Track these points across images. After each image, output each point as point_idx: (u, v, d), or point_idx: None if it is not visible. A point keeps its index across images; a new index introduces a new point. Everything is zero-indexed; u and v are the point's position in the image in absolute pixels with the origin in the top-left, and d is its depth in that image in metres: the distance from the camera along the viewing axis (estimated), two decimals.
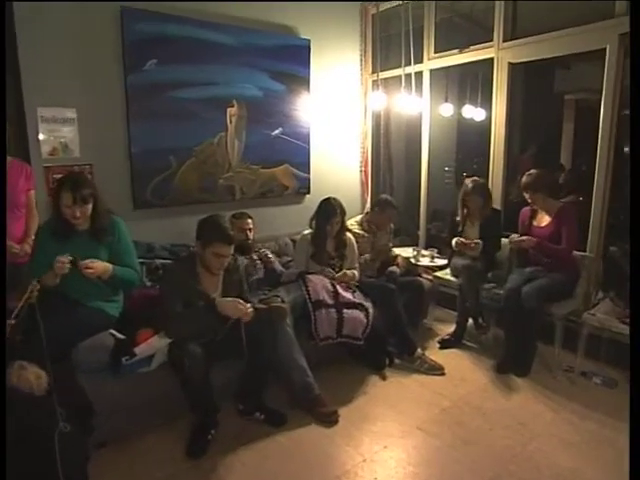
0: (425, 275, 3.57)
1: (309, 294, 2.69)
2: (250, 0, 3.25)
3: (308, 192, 3.79)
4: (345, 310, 2.73)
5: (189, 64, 2.97)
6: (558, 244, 2.87)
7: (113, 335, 2.27)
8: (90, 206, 2.21)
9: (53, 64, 2.57)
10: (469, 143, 4.72)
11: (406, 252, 3.70)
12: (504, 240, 3.18)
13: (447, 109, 4.02)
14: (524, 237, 2.89)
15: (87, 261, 2.12)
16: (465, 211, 3.27)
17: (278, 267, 3.03)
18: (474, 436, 2.27)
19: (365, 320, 2.75)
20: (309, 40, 3.54)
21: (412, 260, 3.61)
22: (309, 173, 3.75)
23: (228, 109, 3.20)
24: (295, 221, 3.54)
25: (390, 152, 4.45)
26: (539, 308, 2.73)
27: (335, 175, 4.04)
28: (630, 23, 1.72)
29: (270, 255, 2.94)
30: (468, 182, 3.22)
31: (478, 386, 2.72)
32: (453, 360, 3.03)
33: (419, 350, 2.94)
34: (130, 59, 2.75)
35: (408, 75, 3.74)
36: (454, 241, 3.19)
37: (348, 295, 2.82)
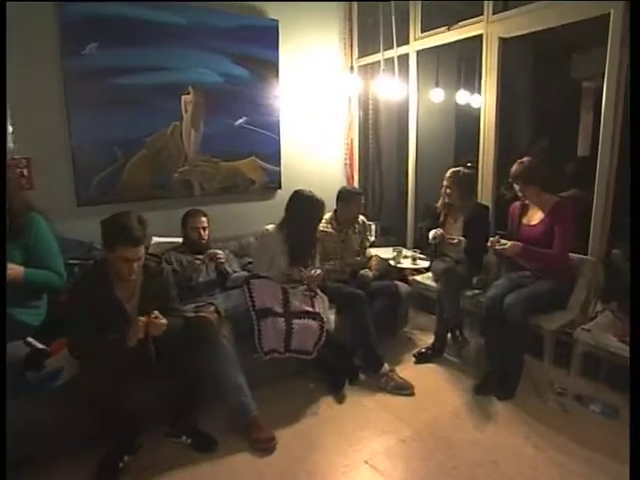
0: (410, 278, 3.23)
1: (252, 301, 2.40)
2: None
3: (279, 187, 3.48)
4: (295, 320, 2.42)
5: (135, 47, 2.71)
6: (551, 245, 2.45)
7: (29, 344, 2.05)
8: None
9: None
10: (471, 133, 4.28)
11: (386, 253, 3.34)
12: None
13: (438, 95, 3.62)
14: (507, 243, 2.49)
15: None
16: (445, 205, 2.89)
17: (229, 269, 2.74)
18: (433, 476, 1.92)
19: (318, 331, 2.44)
20: (277, 21, 3.22)
21: (392, 262, 3.25)
22: (280, 166, 3.44)
23: (183, 97, 2.93)
24: (265, 218, 3.22)
25: (379, 143, 4.09)
26: (524, 321, 2.34)
27: (313, 168, 3.71)
28: (630, 23, 1.55)
29: (220, 255, 2.65)
30: (448, 172, 2.84)
31: (450, 410, 2.35)
32: (428, 377, 2.66)
33: (386, 366, 2.59)
34: (67, 43, 2.52)
35: (390, 58, 3.37)
36: (432, 233, 2.81)
37: (301, 303, 2.51)
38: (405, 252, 3.37)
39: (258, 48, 3.16)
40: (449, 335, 2.90)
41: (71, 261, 2.48)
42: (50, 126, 2.59)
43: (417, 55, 3.45)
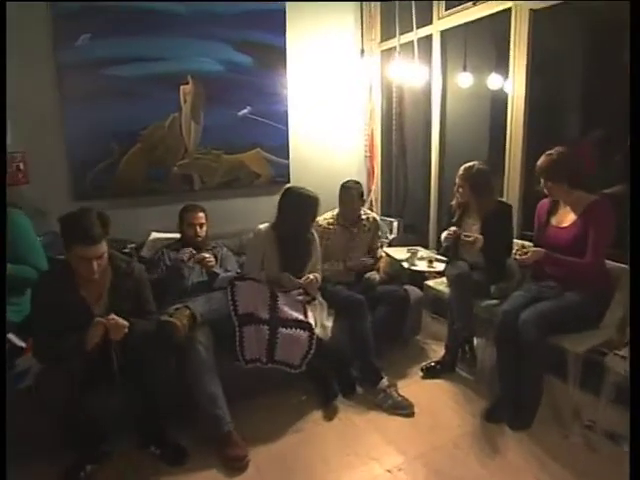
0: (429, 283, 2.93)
1: (235, 305, 2.23)
2: None
3: (287, 181, 3.28)
4: (281, 329, 2.22)
5: (130, 37, 2.61)
6: (583, 252, 2.08)
7: (9, 340, 2.02)
8: None
9: None
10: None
11: (399, 253, 3.05)
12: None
13: (466, 79, 3.24)
14: (529, 251, 2.14)
15: None
16: (459, 204, 2.57)
17: (219, 270, 2.58)
18: None
19: (307, 343, 2.22)
20: (284, 4, 3.00)
21: (405, 264, 2.96)
22: (288, 159, 3.24)
23: (182, 87, 2.81)
24: (271, 214, 3.05)
25: (404, 134, 3.76)
26: (541, 341, 1.99)
27: (327, 161, 3.48)
28: (630, 23, 1.41)
29: (209, 259, 2.49)
30: (461, 168, 2.51)
31: (451, 438, 2.06)
32: (433, 396, 2.38)
33: (384, 381, 2.33)
34: (59, 34, 2.47)
35: (412, 41, 3.05)
36: (444, 233, 2.51)
37: (291, 310, 2.31)
38: (421, 253, 3.06)
39: (263, 33, 2.97)
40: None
41: (61, 256, 2.46)
42: (44, 119, 2.57)
43: (441, 36, 3.11)
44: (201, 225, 2.65)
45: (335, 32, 3.34)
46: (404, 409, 2.23)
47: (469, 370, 2.55)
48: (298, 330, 2.24)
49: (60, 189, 2.66)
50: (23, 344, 2.02)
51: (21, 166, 2.54)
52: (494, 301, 2.41)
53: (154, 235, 2.78)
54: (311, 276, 2.46)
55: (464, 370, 2.55)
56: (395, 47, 3.39)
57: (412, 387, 2.44)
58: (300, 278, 2.45)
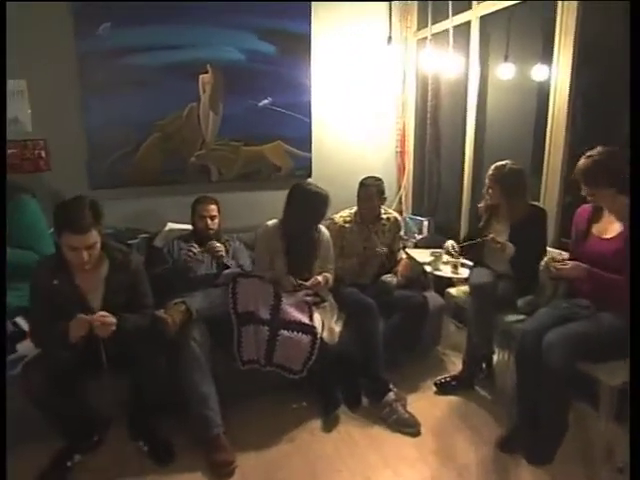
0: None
1: (235, 303, 2.14)
2: None
3: (309, 175, 3.15)
4: (282, 331, 2.11)
5: (148, 25, 2.57)
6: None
7: (15, 324, 2.06)
8: None
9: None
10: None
11: (423, 256, 2.85)
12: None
13: (507, 71, 2.94)
14: (567, 263, 1.88)
15: None
16: (487, 207, 2.33)
17: (231, 263, 2.51)
18: None
19: (309, 347, 2.10)
20: None
21: (427, 268, 2.75)
22: (310, 152, 3.11)
23: (201, 76, 2.74)
24: None
25: (439, 128, 3.51)
26: (568, 370, 1.74)
27: (352, 156, 3.31)
28: (630, 22, 1.40)
29: (218, 248, 2.42)
30: (491, 168, 2.26)
31: (457, 466, 1.87)
32: (445, 415, 2.18)
33: (391, 394, 2.16)
34: (81, 24, 2.46)
35: (455, 28, 2.81)
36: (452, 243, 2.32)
37: (295, 311, 2.19)
38: (447, 257, 2.83)
39: (287, 21, 2.83)
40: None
41: None
42: (65, 108, 2.58)
43: (480, 22, 2.84)
44: (213, 217, 2.58)
45: (364, 19, 3.14)
46: (409, 427, 2.06)
47: (489, 389, 2.32)
48: (300, 333, 2.12)
49: (79, 177, 2.68)
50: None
51: (42, 153, 2.58)
52: (520, 316, 2.16)
53: (170, 226, 2.75)
54: (319, 277, 2.33)
55: (484, 389, 2.32)
56: (435, 34, 3.16)
57: (423, 403, 2.25)
58: (308, 279, 2.33)
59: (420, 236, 3.40)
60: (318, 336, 2.14)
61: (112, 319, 1.71)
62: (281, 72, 2.89)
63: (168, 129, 2.74)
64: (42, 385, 1.70)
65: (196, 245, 2.45)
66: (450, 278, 2.73)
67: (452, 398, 2.29)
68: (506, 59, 2.87)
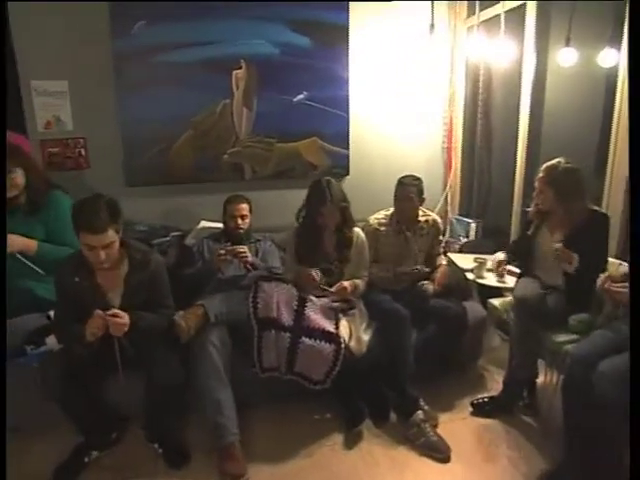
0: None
1: (255, 308, 2.06)
2: None
3: (346, 173, 3.01)
4: (304, 338, 2.01)
5: (182, 22, 2.55)
6: None
7: (49, 317, 2.12)
8: (17, 177, 2.06)
9: (44, 35, 2.49)
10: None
11: (466, 261, 2.62)
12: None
13: (569, 56, 2.62)
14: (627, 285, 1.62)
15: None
16: (538, 213, 2.07)
17: (259, 263, 2.44)
18: None
19: (332, 357, 1.98)
20: None
21: (470, 275, 2.53)
22: (348, 149, 2.96)
23: (234, 72, 2.68)
24: None
25: (491, 122, 3.23)
26: (627, 408, 1.48)
27: (393, 152, 3.12)
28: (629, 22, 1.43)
29: (244, 252, 2.35)
30: (542, 168, 2.01)
31: None
32: (480, 440, 1.97)
33: (419, 413, 1.99)
34: (117, 23, 2.50)
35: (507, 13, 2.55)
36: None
37: (321, 318, 2.07)
38: (492, 263, 2.58)
39: (323, 11, 2.71)
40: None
41: None
42: (101, 106, 2.63)
43: (537, 3, 2.55)
44: (243, 217, 2.53)
45: (405, 7, 2.92)
46: (438, 452, 1.87)
47: (534, 415, 2.07)
48: (323, 342, 2.01)
49: (116, 175, 2.73)
50: None
51: (82, 152, 2.66)
52: (572, 336, 1.90)
53: (203, 224, 2.73)
54: (345, 283, 2.20)
55: (528, 414, 2.08)
56: (486, 21, 2.90)
57: (456, 424, 2.06)
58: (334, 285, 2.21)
59: (467, 239, 3.16)
60: (342, 346, 2.01)
61: (124, 319, 1.69)
62: (317, 65, 2.77)
63: (201, 126, 2.72)
64: (59, 380, 1.72)
65: (225, 245, 2.41)
66: (496, 287, 2.50)
67: (490, 421, 2.07)
68: (568, 43, 2.56)
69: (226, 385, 1.91)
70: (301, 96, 2.79)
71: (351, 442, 1.97)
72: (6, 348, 1.58)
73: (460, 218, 3.32)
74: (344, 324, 2.15)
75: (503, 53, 2.74)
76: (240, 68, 2.69)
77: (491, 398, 2.13)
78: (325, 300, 2.18)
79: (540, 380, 2.10)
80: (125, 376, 1.83)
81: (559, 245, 1.94)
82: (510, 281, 2.40)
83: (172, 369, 1.83)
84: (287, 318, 2.06)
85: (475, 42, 2.94)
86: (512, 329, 1.99)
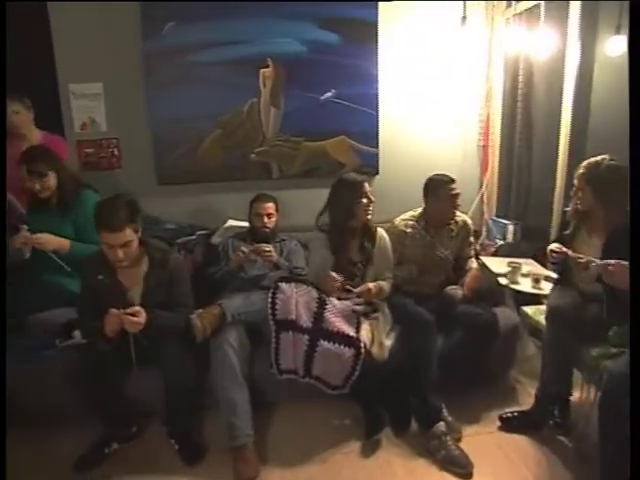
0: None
1: (274, 309, 2.03)
2: None
3: (376, 172, 2.93)
4: (322, 341, 1.96)
5: (210, 22, 2.57)
6: None
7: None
8: (50, 179, 2.15)
9: (81, 40, 2.59)
10: None
11: (499, 265, 2.48)
12: None
13: (619, 45, 2.41)
14: None
15: (38, 235, 2.09)
16: (577, 213, 1.91)
17: (283, 263, 2.41)
18: None
19: (351, 362, 1.92)
20: None
21: (503, 280, 2.39)
22: (377, 147, 2.88)
23: (261, 71, 2.68)
24: None
25: (532, 119, 3.04)
26: None
27: (425, 151, 3.01)
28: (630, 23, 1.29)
29: (268, 251, 2.34)
30: (581, 165, 1.85)
31: None
32: (506, 457, 1.84)
33: (441, 425, 1.88)
34: (148, 25, 2.55)
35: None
36: (550, 248, 1.92)
37: (341, 321, 2.02)
38: (529, 268, 2.43)
39: (351, 7, 2.64)
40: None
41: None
42: (133, 107, 2.70)
43: None
44: (269, 216, 2.51)
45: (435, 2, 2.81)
46: (459, 467, 1.77)
47: (565, 435, 1.91)
48: (341, 346, 1.95)
49: (147, 173, 2.79)
50: None
51: (115, 152, 2.74)
52: (612, 350, 1.74)
53: (230, 223, 2.75)
54: (370, 285, 2.13)
55: (561, 432, 1.92)
56: (525, 10, 2.73)
57: (482, 439, 1.94)
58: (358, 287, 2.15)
59: (502, 242, 3.00)
60: (362, 350, 1.95)
61: (139, 317, 1.72)
62: (345, 63, 2.71)
63: (229, 125, 2.74)
64: (80, 373, 1.77)
65: (248, 244, 2.41)
66: (532, 294, 2.34)
67: (519, 438, 1.93)
68: (618, 31, 2.36)
69: (242, 385, 1.90)
70: (329, 94, 2.75)
71: (368, 450, 1.90)
72: (6, 348, 1.64)
73: (497, 219, 3.16)
74: (366, 328, 2.09)
75: (545, 44, 2.58)
76: (267, 67, 2.67)
77: (521, 413, 1.99)
78: (347, 303, 2.12)
79: (575, 397, 1.94)
80: (144, 372, 1.87)
81: (578, 255, 1.79)
82: (547, 287, 2.24)
83: (186, 368, 1.84)
84: (306, 320, 2.02)
85: (514, 34, 2.79)
86: (544, 340, 1.86)
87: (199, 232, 2.68)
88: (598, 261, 1.68)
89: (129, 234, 1.74)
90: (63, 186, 2.18)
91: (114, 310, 1.71)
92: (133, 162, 2.76)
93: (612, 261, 1.55)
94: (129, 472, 1.81)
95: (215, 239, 2.69)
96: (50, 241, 2.12)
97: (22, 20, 2.70)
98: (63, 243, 2.15)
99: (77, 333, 2.07)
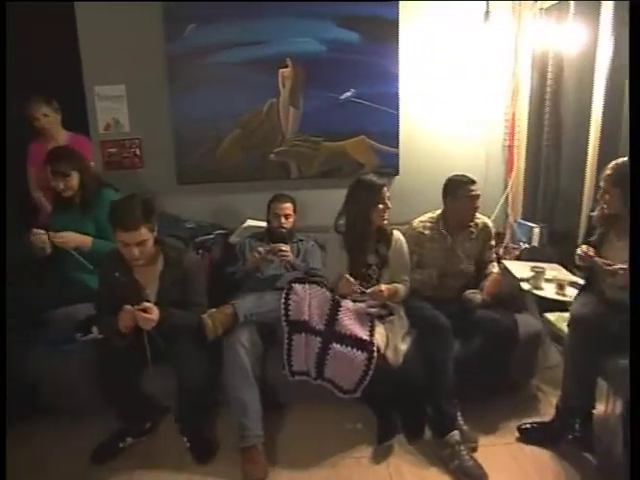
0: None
1: (287, 310, 2.01)
2: None
3: (396, 172, 2.88)
4: (334, 344, 1.94)
5: (230, 22, 2.58)
6: None
7: None
8: (72, 179, 2.21)
9: (106, 43, 2.64)
10: None
11: (522, 270, 2.39)
12: None
13: None
14: None
15: (60, 233, 2.15)
16: (604, 217, 1.82)
17: (299, 264, 2.40)
18: None
19: (364, 366, 1.89)
20: None
21: (525, 285, 2.31)
22: (397, 147, 2.83)
23: (280, 70, 2.67)
24: None
25: (561, 118, 2.92)
26: None
27: (447, 151, 2.93)
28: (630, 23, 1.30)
29: (284, 251, 2.33)
30: (608, 166, 1.76)
31: None
32: (524, 470, 1.77)
33: (455, 434, 1.83)
34: (170, 27, 2.59)
35: None
36: (579, 251, 1.84)
37: (354, 324, 1.99)
38: (554, 273, 2.33)
39: (371, 5, 2.60)
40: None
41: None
42: (155, 108, 2.74)
43: None
44: (287, 216, 2.51)
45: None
46: (472, 478, 1.72)
47: (586, 450, 1.81)
48: (354, 349, 1.92)
49: (168, 173, 2.83)
50: None
51: (137, 151, 2.80)
52: None
53: (248, 222, 2.76)
54: (383, 286, 2.09)
55: (584, 447, 1.83)
56: (554, 4, 2.62)
57: (499, 450, 1.87)
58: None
59: (528, 245, 2.89)
60: (375, 354, 1.91)
61: (152, 314, 1.74)
62: (365, 61, 2.67)
63: (249, 125, 2.74)
64: (96, 367, 1.82)
65: (265, 245, 2.41)
66: (556, 300, 2.25)
67: (538, 450, 1.85)
68: None
69: (252, 386, 1.89)
70: (348, 93, 2.72)
71: (379, 456, 1.87)
72: (6, 349, 1.69)
73: (522, 222, 3.05)
74: (380, 332, 2.05)
75: (575, 39, 2.47)
76: (286, 67, 2.67)
77: (542, 424, 1.91)
78: (361, 305, 2.09)
79: (600, 410, 1.84)
80: (158, 369, 1.90)
81: (602, 260, 1.70)
82: (572, 294, 2.14)
83: (199, 366, 1.85)
84: (318, 322, 2.00)
85: (543, 29, 2.68)
86: (566, 349, 1.78)
87: (217, 231, 2.69)
88: (627, 267, 1.60)
89: (144, 233, 1.76)
90: (85, 185, 2.24)
91: (128, 306, 1.74)
92: (154, 162, 2.81)
93: None
94: (142, 467, 1.84)
95: (233, 239, 2.71)
96: (72, 239, 2.18)
97: (50, 25, 2.81)
98: (85, 241, 2.21)
99: (95, 329, 2.14)
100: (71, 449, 1.93)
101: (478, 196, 2.21)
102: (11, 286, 2.20)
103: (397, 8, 2.62)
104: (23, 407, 2.02)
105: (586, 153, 2.58)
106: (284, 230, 2.50)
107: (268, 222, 2.56)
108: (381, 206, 2.10)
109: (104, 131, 2.78)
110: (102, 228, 2.25)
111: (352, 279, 2.05)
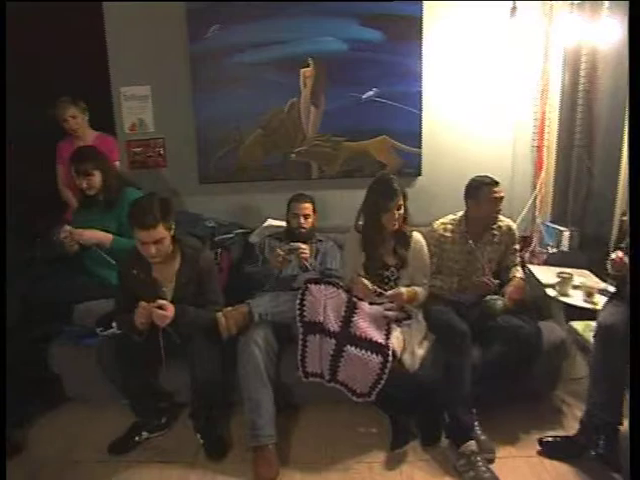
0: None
1: (302, 311, 2.00)
2: None
3: (418, 173, 2.82)
4: (349, 346, 1.92)
5: (253, 23, 2.59)
6: None
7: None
8: (96, 177, 2.27)
9: (132, 44, 2.70)
10: None
11: (549, 275, 2.30)
12: None
13: None
14: None
15: (80, 230, 2.21)
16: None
17: (316, 265, 2.38)
18: None
19: (378, 370, 1.86)
20: None
21: (551, 292, 2.21)
22: (420, 147, 2.77)
23: (302, 70, 2.65)
24: None
25: (593, 118, 2.80)
26: None
27: (472, 152, 2.84)
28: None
29: (303, 250, 2.31)
30: None
31: None
32: None
33: (472, 444, 1.77)
34: (193, 28, 2.61)
35: None
36: (613, 256, 1.76)
37: (370, 326, 1.96)
38: (580, 280, 2.23)
39: (394, 3, 2.55)
40: None
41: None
42: (178, 108, 2.78)
43: None
44: (306, 216, 2.49)
45: None
46: None
47: (611, 469, 1.71)
48: (368, 352, 1.90)
49: (190, 172, 2.86)
50: None
51: (161, 151, 2.85)
52: None
53: (269, 222, 2.77)
54: (402, 289, 2.05)
55: (607, 462, 1.74)
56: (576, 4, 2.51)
57: (518, 463, 1.80)
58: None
59: (556, 250, 2.78)
60: (390, 358, 1.88)
61: (167, 311, 1.76)
62: (388, 60, 2.62)
63: (270, 125, 2.74)
64: (112, 362, 1.86)
65: (284, 244, 2.40)
66: (584, 308, 2.15)
67: (560, 465, 1.77)
68: None
69: (266, 385, 1.89)
70: (371, 92, 2.68)
71: (392, 463, 1.83)
72: (6, 345, 1.73)
73: (551, 225, 2.93)
74: (397, 335, 2.01)
75: (610, 36, 2.36)
76: (308, 66, 2.65)
77: (565, 438, 1.83)
78: (378, 307, 2.06)
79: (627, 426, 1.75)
80: (174, 366, 1.92)
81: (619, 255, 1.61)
82: (601, 302, 2.04)
83: (213, 364, 1.87)
84: (334, 323, 1.98)
85: (575, 24, 2.57)
86: (592, 360, 1.69)
87: (237, 230, 2.71)
88: None
89: (161, 231, 1.79)
90: (108, 184, 2.29)
91: (143, 303, 1.77)
92: (177, 161, 2.85)
93: None
94: (156, 462, 1.87)
95: (253, 238, 2.72)
96: (92, 236, 2.23)
97: (80, 27, 2.89)
98: (106, 238, 2.26)
99: (115, 324, 2.19)
100: (93, 438, 1.99)
101: (501, 198, 2.14)
102: (40, 280, 2.30)
103: (421, 6, 2.57)
104: (49, 397, 2.10)
105: (620, 154, 2.46)
106: (303, 230, 2.48)
107: (287, 222, 2.55)
108: (394, 212, 2.06)
109: (129, 131, 2.84)
110: (124, 226, 2.30)
111: (368, 282, 2.01)
